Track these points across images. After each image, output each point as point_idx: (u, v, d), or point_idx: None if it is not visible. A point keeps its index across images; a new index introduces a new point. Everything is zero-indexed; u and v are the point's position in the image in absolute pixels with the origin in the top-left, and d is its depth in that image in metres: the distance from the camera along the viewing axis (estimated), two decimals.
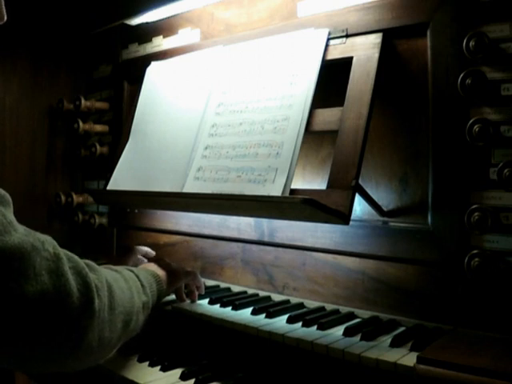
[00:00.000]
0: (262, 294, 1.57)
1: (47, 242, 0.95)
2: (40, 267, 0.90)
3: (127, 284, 1.19)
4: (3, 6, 1.09)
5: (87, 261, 1.06)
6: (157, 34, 1.99)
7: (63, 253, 0.98)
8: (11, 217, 0.92)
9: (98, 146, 2.09)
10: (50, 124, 2.24)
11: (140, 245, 1.99)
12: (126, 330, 1.14)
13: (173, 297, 1.54)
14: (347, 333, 1.20)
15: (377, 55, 1.31)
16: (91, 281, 0.99)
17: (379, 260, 1.34)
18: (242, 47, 1.62)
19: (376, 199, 1.36)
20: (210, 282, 1.71)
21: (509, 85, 1.15)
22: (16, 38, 2.12)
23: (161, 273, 1.42)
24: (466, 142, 1.18)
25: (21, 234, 0.91)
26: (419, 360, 0.99)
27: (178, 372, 1.30)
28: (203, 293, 1.56)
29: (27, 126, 2.17)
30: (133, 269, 1.32)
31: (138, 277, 1.28)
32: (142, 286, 1.27)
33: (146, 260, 1.73)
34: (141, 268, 1.42)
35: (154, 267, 1.44)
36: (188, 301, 1.53)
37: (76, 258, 1.01)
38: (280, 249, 1.56)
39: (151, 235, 1.97)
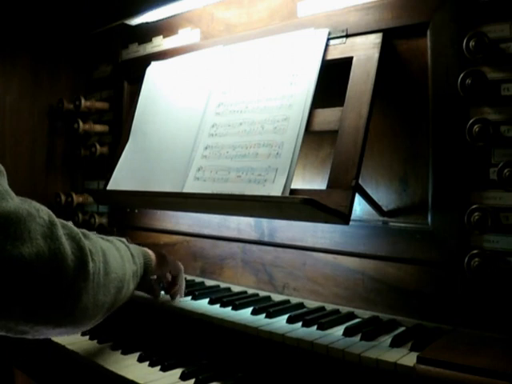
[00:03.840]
0: (262, 293, 1.57)
1: (42, 211, 1.00)
2: (35, 232, 0.95)
3: (119, 252, 1.23)
4: None
5: (82, 230, 1.10)
6: (157, 34, 1.99)
7: (58, 220, 1.02)
8: (7, 186, 0.97)
9: (98, 146, 2.09)
10: (50, 124, 2.25)
11: (140, 245, 1.99)
12: (119, 296, 1.18)
13: None
14: (347, 333, 1.20)
15: (377, 55, 1.31)
16: (85, 245, 1.04)
17: (379, 260, 1.34)
18: (242, 47, 1.62)
19: (376, 199, 1.36)
20: (210, 282, 1.71)
21: (509, 85, 1.15)
22: (16, 38, 2.12)
23: (149, 250, 1.45)
24: (466, 141, 1.18)
25: (17, 201, 0.96)
26: (419, 360, 0.99)
27: (177, 372, 1.30)
28: (182, 296, 1.54)
29: (27, 125, 2.17)
30: (123, 239, 1.35)
31: (128, 247, 1.32)
32: (132, 255, 1.31)
33: None
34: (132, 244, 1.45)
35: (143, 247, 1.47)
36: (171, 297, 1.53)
37: (70, 225, 1.06)
38: (280, 249, 1.56)
39: (151, 235, 1.97)
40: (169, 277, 1.54)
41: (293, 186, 1.30)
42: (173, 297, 1.53)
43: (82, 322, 1.06)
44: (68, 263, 0.98)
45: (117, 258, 1.20)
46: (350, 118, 1.29)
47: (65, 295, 0.98)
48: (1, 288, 0.92)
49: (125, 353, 1.44)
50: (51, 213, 1.02)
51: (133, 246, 1.36)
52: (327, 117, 1.34)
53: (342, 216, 1.19)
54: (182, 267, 1.57)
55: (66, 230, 1.02)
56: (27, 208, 0.96)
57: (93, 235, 1.14)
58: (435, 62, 1.28)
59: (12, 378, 1.96)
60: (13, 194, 0.97)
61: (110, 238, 1.29)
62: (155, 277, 1.53)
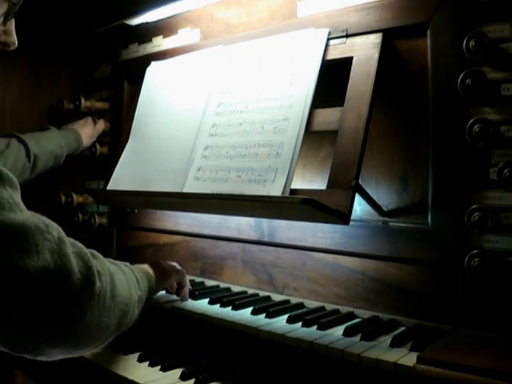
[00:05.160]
0: (262, 293, 1.57)
1: (52, 227, 0.98)
2: (42, 247, 0.93)
3: (125, 276, 1.22)
4: (14, 34, 1.15)
5: (92, 250, 1.09)
6: (157, 34, 1.99)
7: (67, 238, 1.01)
8: (18, 200, 0.96)
9: (98, 146, 2.09)
10: (50, 124, 2.24)
11: (140, 245, 2.00)
12: (123, 321, 1.16)
13: (173, 297, 1.55)
14: (347, 333, 1.20)
15: (377, 55, 1.31)
16: (93, 265, 1.02)
17: (379, 260, 1.34)
18: (241, 47, 1.62)
19: (376, 199, 1.36)
20: (210, 282, 1.71)
21: (509, 85, 1.15)
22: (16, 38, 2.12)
23: (151, 271, 1.44)
24: (466, 141, 1.18)
25: (26, 215, 0.95)
26: (419, 360, 0.99)
27: (178, 372, 1.30)
28: (187, 298, 1.54)
29: (27, 125, 2.16)
30: (127, 264, 1.34)
31: (132, 271, 1.31)
32: (137, 280, 1.30)
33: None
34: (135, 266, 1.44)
35: (145, 265, 1.46)
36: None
37: (80, 244, 1.04)
38: (280, 249, 1.56)
39: (151, 235, 1.97)
40: (174, 285, 1.54)
41: (293, 186, 1.30)
42: (182, 300, 1.53)
43: (84, 342, 1.03)
44: (74, 280, 0.96)
45: (123, 282, 1.18)
46: (350, 119, 1.29)
47: (67, 312, 0.96)
48: (3, 299, 0.90)
49: (125, 353, 1.44)
50: (61, 230, 1.01)
51: (136, 270, 1.35)
52: (327, 117, 1.34)
53: (342, 216, 1.19)
54: (183, 272, 1.56)
55: (74, 249, 1.01)
56: (36, 222, 0.95)
57: (101, 256, 1.13)
58: (435, 62, 1.28)
59: (12, 378, 1.96)
60: (23, 208, 0.96)
61: (117, 262, 1.28)
62: None
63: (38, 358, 1.02)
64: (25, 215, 0.94)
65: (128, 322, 1.20)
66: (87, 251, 1.04)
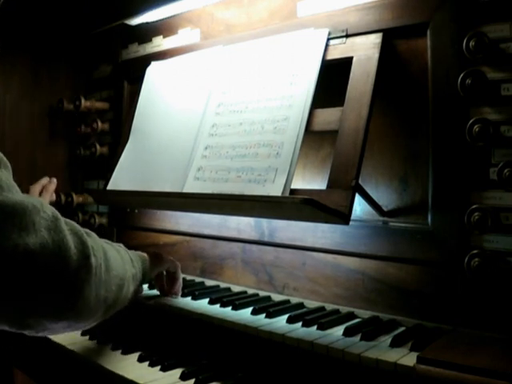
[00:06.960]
0: (262, 293, 1.57)
1: (46, 206, 1.03)
2: (39, 225, 0.98)
3: (119, 254, 1.27)
4: None
5: (85, 229, 1.13)
6: (157, 34, 1.99)
7: (61, 216, 1.06)
8: (12, 181, 1.02)
9: (98, 146, 2.09)
10: (50, 124, 2.25)
11: (140, 245, 1.99)
12: (120, 295, 1.20)
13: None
14: (347, 333, 1.20)
15: (377, 55, 1.31)
16: (87, 241, 1.07)
17: (379, 260, 1.34)
18: (241, 47, 1.62)
19: (376, 199, 1.36)
20: (210, 282, 1.71)
21: (509, 85, 1.15)
22: (16, 38, 2.12)
23: (145, 254, 1.47)
24: (465, 141, 1.18)
25: (22, 195, 1.00)
26: (419, 360, 0.99)
27: (177, 372, 1.30)
28: (179, 292, 1.55)
29: (27, 125, 2.17)
30: (121, 245, 1.37)
31: (126, 251, 1.35)
32: (131, 259, 1.34)
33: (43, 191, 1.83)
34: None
35: (138, 251, 1.48)
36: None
37: (73, 222, 1.10)
38: (280, 249, 1.56)
39: (151, 235, 1.97)
40: (165, 285, 1.56)
41: (293, 186, 1.30)
42: (175, 294, 1.54)
43: (83, 315, 1.08)
44: (71, 255, 1.01)
45: (117, 258, 1.23)
46: (350, 119, 1.28)
47: (67, 285, 1.01)
48: (5, 276, 0.94)
49: (125, 353, 1.44)
50: (55, 209, 1.06)
51: (130, 251, 1.38)
52: (327, 117, 1.34)
53: (342, 216, 1.19)
54: (178, 264, 1.58)
55: (68, 226, 1.06)
56: (32, 202, 0.99)
57: (95, 235, 1.17)
58: (435, 61, 1.28)
59: (12, 378, 1.96)
60: (18, 189, 1.01)
61: (110, 241, 1.30)
62: None
63: (40, 334, 1.07)
64: (21, 195, 0.99)
65: (124, 298, 1.24)
66: (81, 228, 1.09)
